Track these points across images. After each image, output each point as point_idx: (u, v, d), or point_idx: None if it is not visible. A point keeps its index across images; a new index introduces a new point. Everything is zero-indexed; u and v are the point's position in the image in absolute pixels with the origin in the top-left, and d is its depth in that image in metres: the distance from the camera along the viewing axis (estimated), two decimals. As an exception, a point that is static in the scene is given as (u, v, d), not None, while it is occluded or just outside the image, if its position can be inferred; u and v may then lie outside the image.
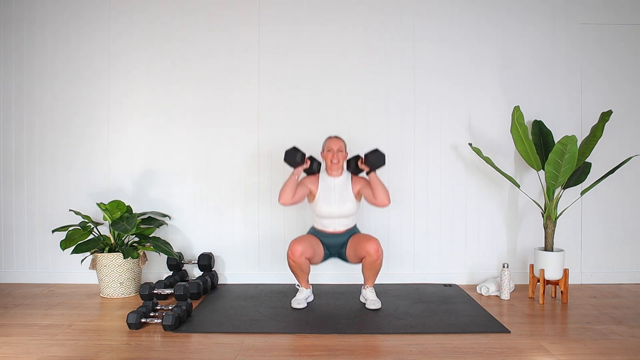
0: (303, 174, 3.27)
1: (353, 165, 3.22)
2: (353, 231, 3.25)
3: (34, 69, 3.77)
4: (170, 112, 3.76)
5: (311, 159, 3.22)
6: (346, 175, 3.23)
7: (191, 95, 3.75)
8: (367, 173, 3.16)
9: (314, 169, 3.22)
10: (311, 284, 3.38)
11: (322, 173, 3.26)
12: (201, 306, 3.16)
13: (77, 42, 3.76)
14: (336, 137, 3.23)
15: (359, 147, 3.63)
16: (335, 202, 3.16)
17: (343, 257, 3.26)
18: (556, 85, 3.77)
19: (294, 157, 3.10)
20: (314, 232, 3.27)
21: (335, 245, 3.23)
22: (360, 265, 3.21)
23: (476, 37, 3.75)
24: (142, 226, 3.53)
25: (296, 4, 3.74)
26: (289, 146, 3.27)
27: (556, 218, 3.37)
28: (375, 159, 3.10)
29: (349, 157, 3.32)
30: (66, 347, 2.49)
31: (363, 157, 3.17)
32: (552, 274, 3.28)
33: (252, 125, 3.75)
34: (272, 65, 3.74)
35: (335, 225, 3.19)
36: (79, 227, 3.44)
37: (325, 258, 3.27)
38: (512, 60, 3.76)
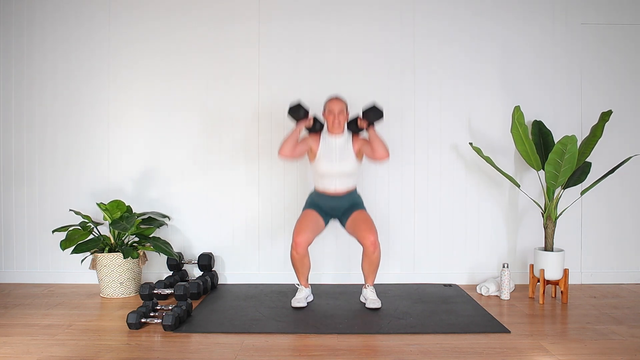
0: (305, 132, 3.27)
1: (353, 125, 3.23)
2: (354, 196, 3.25)
3: (33, 68, 3.77)
4: (171, 109, 3.75)
5: (314, 118, 3.22)
6: (347, 134, 3.24)
7: (191, 91, 3.75)
8: (366, 129, 3.16)
9: (316, 128, 3.23)
10: (311, 284, 3.38)
11: (324, 132, 3.26)
12: (201, 306, 3.16)
13: (77, 39, 3.76)
14: (337, 98, 3.22)
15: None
16: (336, 160, 3.16)
17: (342, 225, 3.26)
18: (556, 85, 3.77)
19: (297, 112, 3.12)
20: (315, 196, 3.26)
21: (336, 209, 3.23)
22: (359, 264, 3.21)
23: (476, 36, 3.75)
24: (142, 226, 3.53)
25: (296, 8, 3.74)
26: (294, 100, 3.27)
27: (556, 218, 3.37)
28: (373, 114, 3.11)
29: (349, 117, 3.31)
30: (66, 347, 2.49)
31: (362, 111, 3.17)
32: (552, 274, 3.28)
33: (252, 124, 3.75)
34: (272, 60, 3.75)
35: (336, 185, 3.19)
36: (79, 227, 3.44)
37: (327, 224, 3.27)
38: (512, 60, 3.76)
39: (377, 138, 3.10)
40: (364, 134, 3.33)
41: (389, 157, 3.12)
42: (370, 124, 3.13)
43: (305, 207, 3.29)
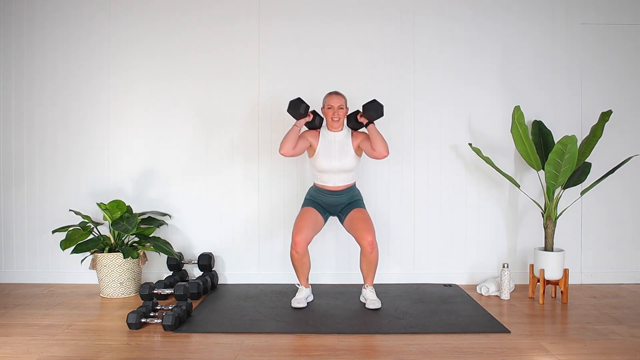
0: (304, 128, 3.27)
1: (353, 121, 3.23)
2: (353, 192, 3.25)
3: (33, 68, 3.77)
4: (171, 109, 3.75)
5: (314, 113, 3.22)
6: (346, 130, 3.23)
7: (191, 90, 3.75)
8: (366, 125, 3.15)
9: (315, 123, 3.23)
10: (311, 284, 3.38)
11: (323, 128, 3.25)
12: (201, 306, 3.16)
13: (76, 39, 3.76)
14: (336, 93, 3.21)
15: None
16: (335, 156, 3.16)
17: (341, 221, 3.27)
18: (556, 85, 3.77)
19: (298, 108, 3.11)
20: (313, 192, 3.26)
21: (335, 205, 3.23)
22: (359, 264, 3.20)
23: (477, 36, 3.75)
24: (142, 226, 3.53)
25: (296, 7, 3.74)
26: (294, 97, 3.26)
27: (556, 218, 3.37)
28: (373, 110, 3.10)
29: (349, 112, 3.30)
30: (66, 347, 2.49)
31: (362, 107, 3.17)
32: (552, 274, 3.28)
33: (252, 123, 3.75)
34: (272, 59, 3.75)
35: (335, 180, 3.19)
36: (79, 227, 3.44)
37: (326, 221, 3.27)
38: (512, 60, 3.76)
39: (377, 134, 3.09)
40: (363, 129, 3.32)
41: (388, 154, 3.10)
42: (370, 120, 3.12)
43: (304, 204, 3.29)
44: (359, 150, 3.21)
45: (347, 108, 3.22)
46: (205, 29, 3.74)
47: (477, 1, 3.75)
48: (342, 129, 3.21)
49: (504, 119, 3.74)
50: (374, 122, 3.14)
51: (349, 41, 3.74)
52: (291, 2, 3.74)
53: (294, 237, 3.06)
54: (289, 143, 3.07)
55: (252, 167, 3.76)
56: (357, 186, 3.35)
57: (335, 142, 3.19)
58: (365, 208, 3.26)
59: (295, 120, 3.17)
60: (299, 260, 3.10)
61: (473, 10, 3.75)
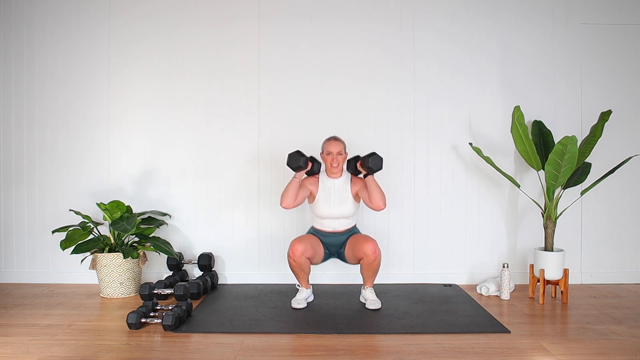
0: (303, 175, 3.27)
1: (352, 166, 3.23)
2: (353, 231, 3.26)
3: (33, 68, 3.77)
4: (171, 108, 3.75)
5: (312, 160, 3.22)
6: (346, 176, 3.24)
7: (191, 91, 3.75)
8: (364, 176, 3.16)
9: (314, 169, 3.23)
10: (311, 284, 3.38)
11: (322, 174, 3.26)
12: (201, 306, 3.16)
13: (76, 39, 3.76)
14: (335, 138, 3.22)
15: (358, 148, 3.63)
16: (334, 204, 3.16)
17: (342, 258, 3.27)
18: (556, 85, 3.77)
19: (297, 161, 3.10)
20: (314, 231, 3.28)
21: (335, 244, 3.23)
22: (359, 266, 3.21)
23: (477, 36, 3.75)
24: (142, 226, 3.53)
25: (296, 7, 3.74)
26: (292, 150, 3.26)
27: (556, 218, 3.37)
28: (372, 163, 3.09)
29: (348, 157, 3.31)
30: (66, 347, 2.49)
31: (361, 159, 3.17)
32: (552, 274, 3.28)
33: (252, 122, 3.75)
34: (273, 58, 3.75)
35: (334, 225, 3.20)
36: (79, 227, 3.44)
37: (326, 258, 3.27)
38: (512, 60, 3.76)
39: (375, 187, 3.09)
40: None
41: (385, 207, 3.12)
42: (369, 172, 3.11)
43: (308, 232, 3.32)
44: (357, 197, 3.21)
45: (346, 153, 3.22)
46: (205, 28, 3.74)
47: (477, 1, 3.75)
48: (341, 175, 3.21)
49: (504, 119, 3.74)
50: (373, 174, 3.12)
51: (348, 40, 3.74)
52: (291, 2, 3.74)
53: (292, 246, 3.04)
54: (290, 196, 3.08)
55: (252, 166, 3.76)
56: (357, 226, 3.36)
57: (334, 189, 3.19)
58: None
59: (294, 173, 3.15)
60: (297, 267, 3.09)
61: (473, 10, 3.75)
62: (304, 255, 3.04)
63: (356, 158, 3.23)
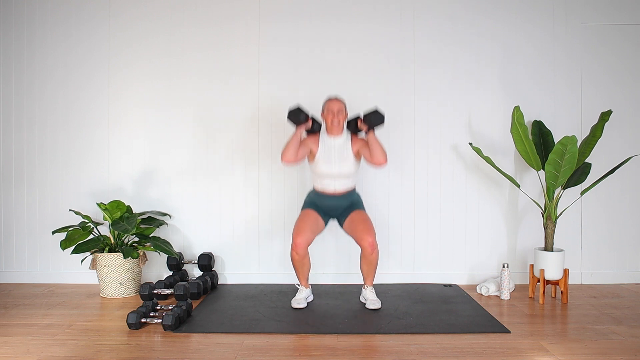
0: (304, 133, 3.27)
1: (353, 126, 3.22)
2: (353, 196, 3.25)
3: (33, 68, 3.77)
4: (171, 108, 3.75)
5: (312, 119, 3.22)
6: (346, 135, 3.23)
7: (191, 91, 3.75)
8: (366, 132, 3.15)
9: (314, 129, 3.23)
10: (311, 284, 3.38)
11: (322, 133, 3.25)
12: (201, 306, 3.16)
13: (76, 39, 3.76)
14: (336, 98, 3.22)
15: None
16: (334, 162, 3.16)
17: (340, 225, 3.27)
18: (556, 85, 3.77)
19: (297, 116, 3.10)
20: (314, 195, 3.26)
21: (335, 208, 3.23)
22: (358, 264, 3.20)
23: (477, 36, 3.75)
24: (142, 226, 3.53)
25: (296, 7, 3.74)
26: (294, 105, 3.26)
27: (556, 218, 3.37)
28: (374, 118, 3.10)
29: (349, 117, 3.30)
30: (66, 347, 2.49)
31: (364, 115, 3.16)
32: (552, 274, 3.28)
33: (252, 123, 3.75)
34: (273, 59, 3.75)
35: (335, 185, 3.19)
36: (79, 227, 3.44)
37: (326, 224, 3.27)
38: (512, 59, 3.76)
39: (376, 143, 3.09)
40: (363, 134, 3.32)
41: (386, 162, 3.11)
42: (371, 128, 3.12)
43: (304, 206, 3.29)
44: (358, 156, 3.21)
45: (346, 113, 3.22)
46: (205, 28, 3.74)
47: (477, 1, 3.75)
48: (341, 134, 3.21)
49: (504, 119, 3.74)
50: (374, 130, 3.13)
51: (349, 41, 3.74)
52: (291, 2, 3.74)
53: (294, 239, 3.06)
54: (291, 151, 3.07)
55: (252, 166, 3.76)
56: (357, 190, 3.35)
57: (335, 147, 3.19)
58: (365, 210, 3.26)
59: (295, 128, 3.16)
60: (299, 262, 3.10)
61: (473, 10, 3.75)
62: (307, 247, 3.07)
63: (356, 117, 3.22)
